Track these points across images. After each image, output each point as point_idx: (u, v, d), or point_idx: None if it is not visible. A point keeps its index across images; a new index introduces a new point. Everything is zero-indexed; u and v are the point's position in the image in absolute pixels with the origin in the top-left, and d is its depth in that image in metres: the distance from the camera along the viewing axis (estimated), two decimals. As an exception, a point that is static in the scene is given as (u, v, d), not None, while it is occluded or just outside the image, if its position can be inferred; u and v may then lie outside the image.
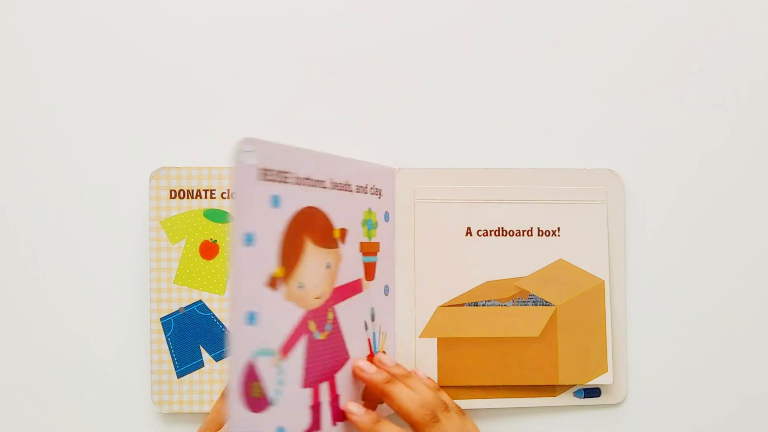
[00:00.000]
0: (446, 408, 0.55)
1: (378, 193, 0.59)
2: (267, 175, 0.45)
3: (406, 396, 0.53)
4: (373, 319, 0.57)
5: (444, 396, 0.59)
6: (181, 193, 0.61)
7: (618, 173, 0.63)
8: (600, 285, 0.62)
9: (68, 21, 0.62)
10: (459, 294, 0.62)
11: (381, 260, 0.59)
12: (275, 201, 0.46)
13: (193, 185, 0.61)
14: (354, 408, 0.52)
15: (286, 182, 0.47)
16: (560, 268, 0.62)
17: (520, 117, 0.64)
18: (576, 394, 0.62)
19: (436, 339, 0.61)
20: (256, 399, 0.45)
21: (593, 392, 0.62)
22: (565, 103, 0.64)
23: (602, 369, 0.62)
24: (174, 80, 0.62)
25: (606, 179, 0.63)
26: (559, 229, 0.62)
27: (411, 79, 0.63)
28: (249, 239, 0.44)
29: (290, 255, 0.47)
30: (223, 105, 0.63)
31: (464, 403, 0.61)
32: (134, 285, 0.62)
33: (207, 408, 0.60)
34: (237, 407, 0.43)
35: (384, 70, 0.63)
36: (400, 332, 0.61)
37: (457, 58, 0.63)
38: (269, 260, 0.46)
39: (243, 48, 0.63)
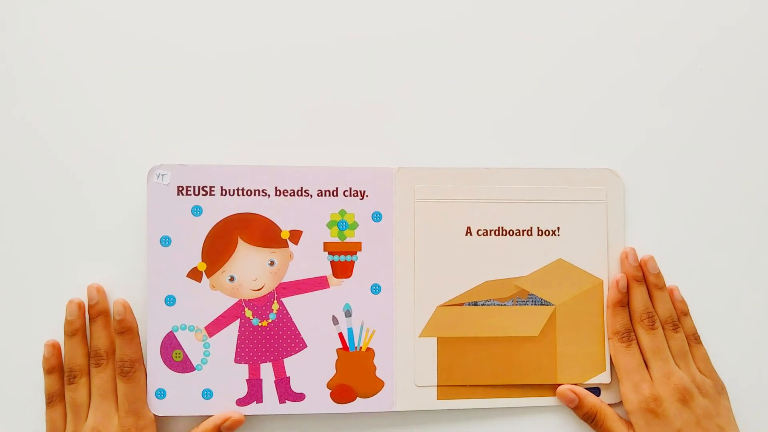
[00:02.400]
0: None
1: (360, 194, 0.60)
2: (185, 191, 0.58)
3: None
4: (349, 315, 0.60)
5: None
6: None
7: (618, 173, 0.63)
8: (599, 285, 0.62)
9: (67, 19, 0.62)
10: (459, 293, 0.61)
11: (365, 259, 0.60)
12: (196, 210, 0.59)
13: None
14: None
15: (210, 195, 0.59)
16: (559, 268, 0.62)
17: (520, 117, 0.63)
18: (576, 393, 0.63)
19: (435, 338, 0.61)
20: (178, 362, 0.59)
21: (593, 392, 0.62)
22: (565, 102, 0.64)
23: (600, 368, 0.62)
24: (174, 79, 0.62)
25: (606, 179, 0.63)
26: (558, 228, 0.62)
27: (411, 78, 0.63)
28: (165, 241, 0.58)
29: (216, 252, 0.59)
30: (223, 104, 0.62)
31: (464, 403, 0.61)
32: (132, 284, 0.61)
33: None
34: (157, 364, 0.59)
35: (384, 69, 0.63)
36: (400, 332, 0.61)
37: (457, 58, 0.63)
38: (190, 256, 0.58)
39: (243, 46, 0.62)
